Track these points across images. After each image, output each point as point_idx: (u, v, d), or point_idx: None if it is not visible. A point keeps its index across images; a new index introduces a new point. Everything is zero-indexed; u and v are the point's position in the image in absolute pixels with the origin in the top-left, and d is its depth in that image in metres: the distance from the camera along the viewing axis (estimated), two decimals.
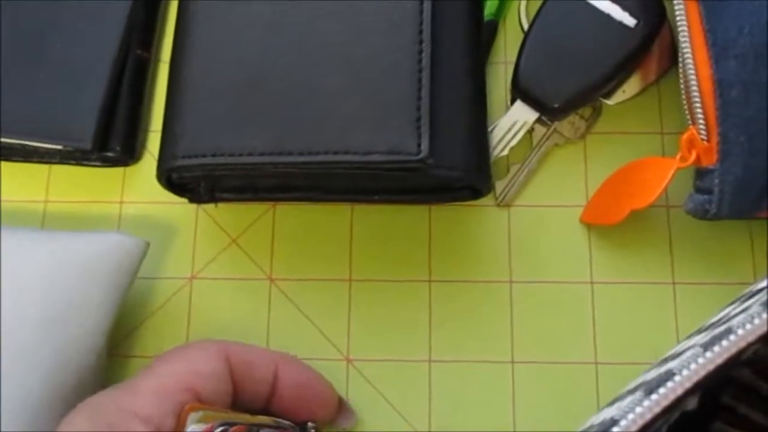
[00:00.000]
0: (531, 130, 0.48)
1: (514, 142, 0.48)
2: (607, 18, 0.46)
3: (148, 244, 0.44)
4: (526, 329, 0.46)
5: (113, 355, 0.46)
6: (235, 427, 0.36)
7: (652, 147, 0.48)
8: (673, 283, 0.46)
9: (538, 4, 0.48)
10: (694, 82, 0.42)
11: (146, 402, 0.36)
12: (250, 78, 0.43)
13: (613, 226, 0.46)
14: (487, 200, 0.47)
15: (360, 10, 0.43)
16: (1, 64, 0.48)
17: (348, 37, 0.43)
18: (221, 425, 0.36)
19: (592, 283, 0.47)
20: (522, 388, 0.45)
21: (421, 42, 0.42)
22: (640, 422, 0.26)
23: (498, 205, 0.48)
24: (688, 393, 0.27)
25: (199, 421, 0.36)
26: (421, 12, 0.43)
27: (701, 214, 0.43)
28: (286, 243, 0.48)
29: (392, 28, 0.43)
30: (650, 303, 0.46)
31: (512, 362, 0.46)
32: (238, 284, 0.48)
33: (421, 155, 0.40)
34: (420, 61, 0.42)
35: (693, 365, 0.27)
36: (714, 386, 0.32)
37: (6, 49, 0.48)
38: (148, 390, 0.37)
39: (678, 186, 0.44)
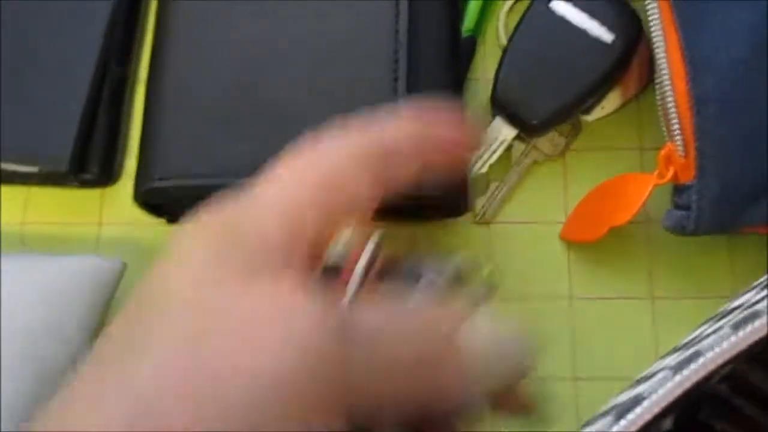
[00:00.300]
0: (510, 147, 0.48)
1: (493, 159, 0.47)
2: (585, 34, 0.46)
3: (125, 265, 0.44)
4: None
5: None
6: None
7: (631, 163, 0.48)
8: (652, 298, 0.46)
9: (517, 19, 0.48)
10: (670, 98, 0.42)
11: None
12: (227, 99, 0.43)
13: (593, 242, 0.46)
14: (466, 217, 0.47)
15: (337, 31, 0.43)
16: None
17: (325, 58, 0.43)
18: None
19: (570, 298, 0.47)
20: None
21: (396, 61, 0.42)
22: None
23: (477, 222, 0.48)
24: (659, 417, 0.27)
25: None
26: (397, 31, 0.43)
27: (680, 230, 0.43)
28: None
29: (367, 48, 0.43)
30: (629, 318, 0.46)
31: None
32: None
33: None
34: (396, 79, 0.42)
35: (661, 389, 0.26)
36: (691, 404, 0.32)
37: None
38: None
39: (657, 201, 0.44)
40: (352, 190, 0.28)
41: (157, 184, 0.42)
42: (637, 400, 0.26)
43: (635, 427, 0.25)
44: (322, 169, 0.28)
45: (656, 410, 0.26)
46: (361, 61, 0.43)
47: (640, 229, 0.47)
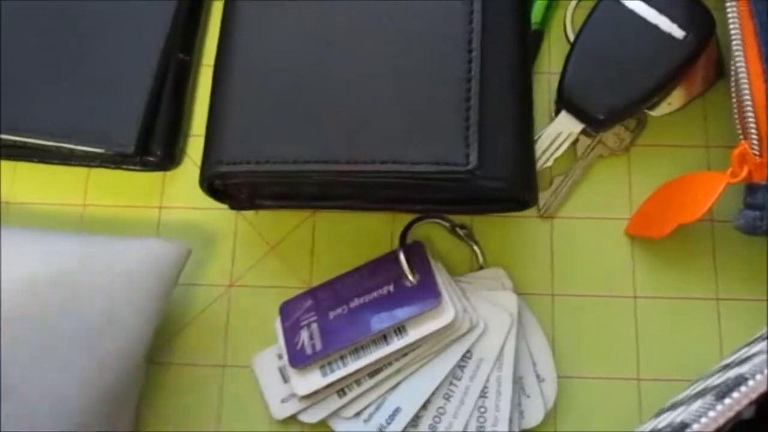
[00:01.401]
0: (575, 141, 0.48)
1: (558, 153, 0.47)
2: (656, 30, 0.46)
3: (189, 251, 0.43)
4: (567, 343, 0.46)
5: (150, 362, 0.45)
6: None
7: (697, 160, 0.48)
8: (717, 299, 0.46)
9: (584, 13, 0.48)
10: (747, 96, 0.41)
11: None
12: (295, 85, 0.42)
13: (657, 239, 0.45)
14: (530, 211, 0.47)
15: (409, 20, 0.43)
16: (45, 67, 0.48)
17: (396, 46, 0.42)
18: None
19: (635, 297, 0.46)
20: (564, 402, 0.45)
21: (470, 51, 0.42)
22: (714, 426, 0.26)
23: (541, 217, 0.48)
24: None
25: None
26: (471, 22, 0.42)
27: (751, 230, 0.42)
28: (325, 251, 0.48)
29: (441, 38, 0.42)
30: (693, 319, 0.46)
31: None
32: (277, 293, 0.47)
33: (470, 166, 0.40)
34: (470, 70, 0.41)
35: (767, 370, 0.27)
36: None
37: (50, 53, 0.48)
38: None
39: (723, 200, 0.43)
40: None
41: (225, 168, 0.41)
42: (739, 381, 0.26)
43: (740, 406, 0.26)
44: None
45: (762, 389, 0.26)
46: (432, 56, 0.42)
47: (705, 228, 0.47)
